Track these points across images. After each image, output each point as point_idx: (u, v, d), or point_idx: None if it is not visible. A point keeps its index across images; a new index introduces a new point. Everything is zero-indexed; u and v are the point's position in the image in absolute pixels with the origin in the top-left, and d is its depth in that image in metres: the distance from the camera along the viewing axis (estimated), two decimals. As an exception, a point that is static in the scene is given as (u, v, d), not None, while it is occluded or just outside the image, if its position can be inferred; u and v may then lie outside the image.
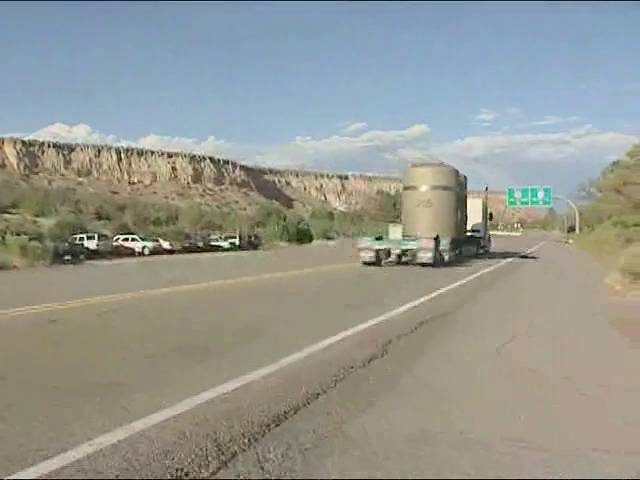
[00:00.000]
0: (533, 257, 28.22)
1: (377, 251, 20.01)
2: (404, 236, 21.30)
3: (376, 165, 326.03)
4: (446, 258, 19.92)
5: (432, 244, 18.77)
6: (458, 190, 22.92)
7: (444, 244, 19.81)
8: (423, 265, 18.53)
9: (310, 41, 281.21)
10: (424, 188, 21.74)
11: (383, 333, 6.77)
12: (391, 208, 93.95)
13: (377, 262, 19.74)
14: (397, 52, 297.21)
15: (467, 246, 25.34)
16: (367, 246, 20.19)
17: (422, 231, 20.34)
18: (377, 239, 21.19)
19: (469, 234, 26.18)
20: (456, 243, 22.24)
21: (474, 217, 27.21)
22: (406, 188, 23.08)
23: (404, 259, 20.35)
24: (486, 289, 12.65)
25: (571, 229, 75.69)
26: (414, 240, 19.70)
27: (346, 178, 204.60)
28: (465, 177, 25.50)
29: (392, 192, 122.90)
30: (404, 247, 19.97)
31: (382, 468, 3.01)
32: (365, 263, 19.71)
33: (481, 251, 27.58)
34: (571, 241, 55.88)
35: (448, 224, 21.69)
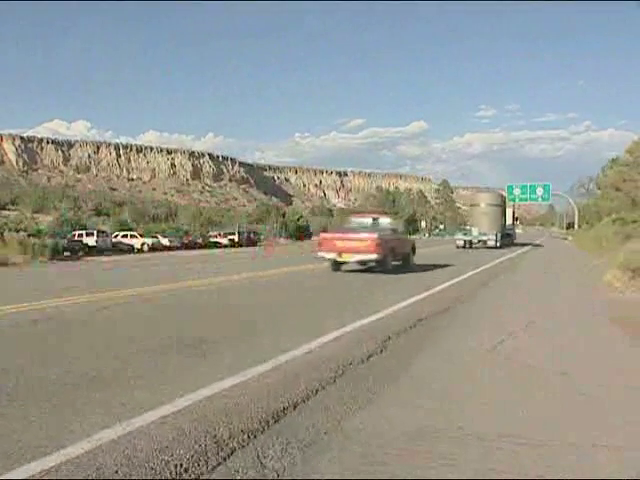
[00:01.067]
0: (539, 245, 43.70)
1: (465, 241, 37.00)
2: (478, 233, 36.74)
3: (375, 162, 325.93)
4: (498, 244, 35.65)
5: (494, 237, 35.76)
6: (502, 205, 40.55)
7: (498, 237, 36.06)
8: (489, 247, 34.85)
9: (309, 38, 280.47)
10: (483, 205, 38.76)
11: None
12: (390, 204, 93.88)
13: (466, 247, 36.24)
14: (396, 49, 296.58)
15: (506, 238, 40.00)
16: (461, 238, 37.73)
17: (485, 230, 36.15)
18: (465, 234, 38.15)
19: (507, 231, 41.65)
20: (502, 236, 37.89)
21: (508, 220, 43.96)
22: (472, 205, 40.72)
23: (479, 245, 36.57)
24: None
25: (570, 226, 75.75)
26: (484, 235, 36.03)
27: (345, 174, 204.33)
28: (504, 196, 46.15)
29: (391, 189, 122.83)
30: (480, 238, 36.29)
31: (380, 464, 3.01)
32: (459, 247, 36.09)
33: (512, 241, 42.70)
34: (570, 238, 55.89)
35: (497, 225, 37.72)
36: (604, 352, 5.92)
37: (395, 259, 16.35)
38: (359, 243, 15.07)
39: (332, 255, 15.43)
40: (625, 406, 4.07)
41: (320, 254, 15.68)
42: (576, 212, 66.98)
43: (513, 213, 47.16)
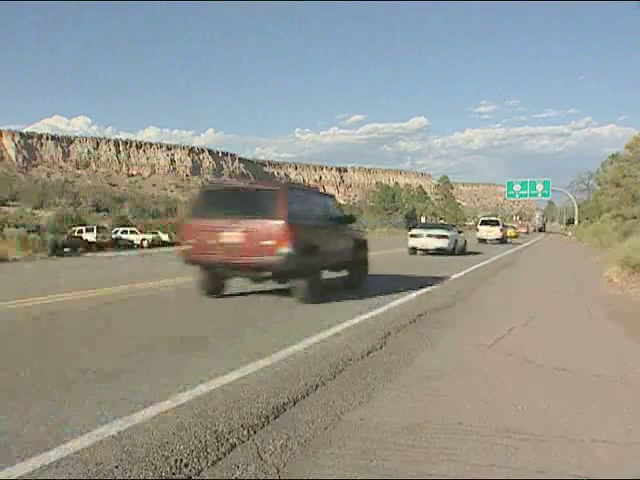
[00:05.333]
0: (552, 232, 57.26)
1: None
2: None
3: (375, 157, 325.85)
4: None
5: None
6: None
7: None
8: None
9: (310, 34, 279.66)
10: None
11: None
12: (390, 200, 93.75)
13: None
14: (397, 45, 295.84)
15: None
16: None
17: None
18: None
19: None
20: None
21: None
22: None
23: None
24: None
25: (570, 222, 75.68)
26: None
27: (345, 170, 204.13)
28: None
29: (391, 184, 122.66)
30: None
31: (380, 459, 3.02)
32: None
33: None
34: (570, 233, 55.90)
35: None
36: (603, 348, 5.93)
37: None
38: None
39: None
40: (624, 402, 4.08)
41: None
42: (576, 208, 66.94)
43: (544, 215, 61.27)
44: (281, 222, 8.34)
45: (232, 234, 8.52)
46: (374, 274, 11.77)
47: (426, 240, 22.97)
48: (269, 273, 8.73)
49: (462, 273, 14.18)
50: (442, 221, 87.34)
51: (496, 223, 39.29)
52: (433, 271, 14.34)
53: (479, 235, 37.61)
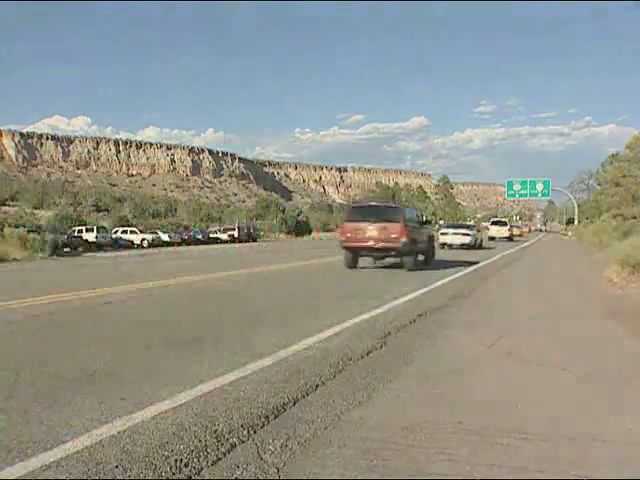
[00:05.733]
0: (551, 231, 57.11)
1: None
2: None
3: (375, 157, 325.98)
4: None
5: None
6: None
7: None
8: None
9: (309, 34, 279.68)
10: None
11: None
12: (390, 200, 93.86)
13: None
14: (396, 44, 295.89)
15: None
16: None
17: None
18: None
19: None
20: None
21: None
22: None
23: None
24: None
25: (570, 221, 75.71)
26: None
27: (345, 170, 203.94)
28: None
29: (391, 184, 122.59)
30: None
31: (381, 459, 3.02)
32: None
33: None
34: (570, 233, 55.92)
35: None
36: (603, 348, 5.92)
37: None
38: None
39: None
40: (624, 402, 4.08)
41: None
42: (576, 208, 66.95)
43: (545, 215, 62.72)
44: (400, 224, 14.67)
45: (372, 231, 14.75)
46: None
47: (453, 237, 28.40)
48: (394, 253, 15.24)
49: (483, 263, 18.25)
50: (442, 221, 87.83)
51: (504, 224, 46.30)
52: (467, 259, 19.61)
53: (490, 233, 43.35)
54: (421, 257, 16.45)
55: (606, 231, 28.20)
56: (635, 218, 27.56)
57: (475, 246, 28.08)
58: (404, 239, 14.43)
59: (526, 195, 65.32)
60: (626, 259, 11.98)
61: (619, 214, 30.85)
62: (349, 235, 14.90)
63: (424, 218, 18.49)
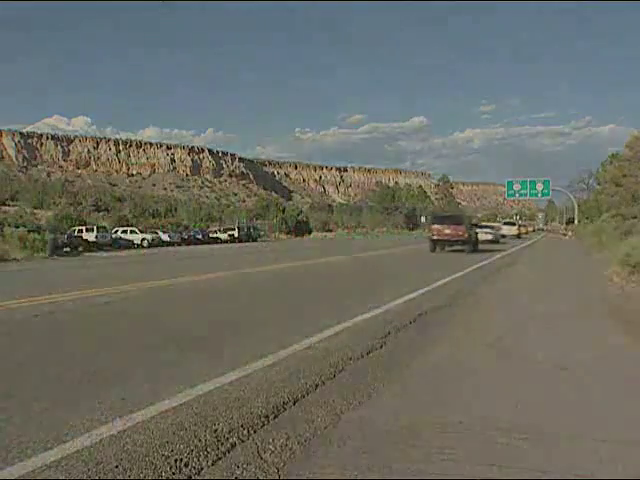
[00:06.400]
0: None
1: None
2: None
3: (375, 157, 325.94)
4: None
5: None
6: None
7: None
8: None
9: (310, 34, 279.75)
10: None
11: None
12: (390, 200, 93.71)
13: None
14: (397, 44, 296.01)
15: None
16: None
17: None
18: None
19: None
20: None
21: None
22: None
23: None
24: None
25: (570, 221, 75.73)
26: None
27: (345, 170, 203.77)
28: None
29: (391, 184, 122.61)
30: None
31: (380, 458, 3.02)
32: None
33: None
34: (570, 233, 55.90)
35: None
36: (603, 348, 5.92)
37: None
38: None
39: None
40: (624, 401, 4.08)
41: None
42: (576, 207, 66.89)
43: (545, 215, 74.46)
44: (464, 226, 24.88)
45: (448, 230, 24.60)
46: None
47: (480, 234, 33.74)
48: (460, 243, 24.60)
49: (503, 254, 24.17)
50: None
51: (513, 224, 58.44)
52: (495, 250, 27.22)
53: (502, 232, 49.13)
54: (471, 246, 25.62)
55: (606, 231, 28.20)
56: (635, 218, 27.56)
57: (495, 241, 36.68)
58: (466, 235, 24.40)
59: (526, 195, 65.20)
60: (626, 259, 11.98)
61: (619, 214, 30.85)
62: (435, 232, 25.07)
63: (472, 222, 29.68)
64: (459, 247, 24.94)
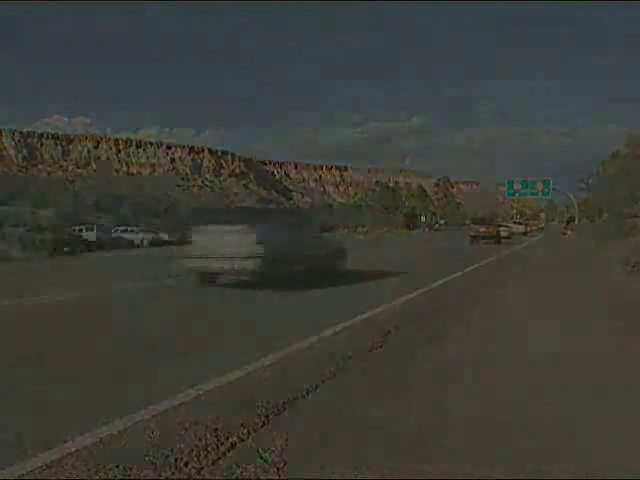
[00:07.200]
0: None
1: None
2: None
3: (376, 156, 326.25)
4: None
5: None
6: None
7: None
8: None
9: (309, 33, 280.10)
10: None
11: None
12: (390, 199, 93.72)
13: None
14: (396, 44, 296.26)
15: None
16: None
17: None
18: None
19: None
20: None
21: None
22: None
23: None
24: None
25: (570, 220, 75.74)
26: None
27: (345, 169, 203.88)
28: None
29: (391, 184, 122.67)
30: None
31: (383, 458, 3.01)
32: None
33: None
34: (570, 232, 55.92)
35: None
36: (604, 347, 5.92)
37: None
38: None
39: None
40: (624, 400, 4.08)
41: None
42: (576, 207, 66.84)
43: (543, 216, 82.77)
44: (494, 226, 39.22)
45: (482, 228, 36.75)
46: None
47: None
48: (491, 238, 35.38)
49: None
50: (442, 221, 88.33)
51: (521, 223, 73.47)
52: (514, 243, 36.08)
53: (513, 230, 56.39)
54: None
55: (606, 230, 28.21)
56: (635, 217, 27.57)
57: (509, 237, 44.38)
58: (494, 232, 35.42)
59: (526, 194, 65.09)
60: (626, 258, 12.00)
61: (619, 213, 30.85)
62: (473, 230, 35.94)
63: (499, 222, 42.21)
64: (488, 241, 34.08)
